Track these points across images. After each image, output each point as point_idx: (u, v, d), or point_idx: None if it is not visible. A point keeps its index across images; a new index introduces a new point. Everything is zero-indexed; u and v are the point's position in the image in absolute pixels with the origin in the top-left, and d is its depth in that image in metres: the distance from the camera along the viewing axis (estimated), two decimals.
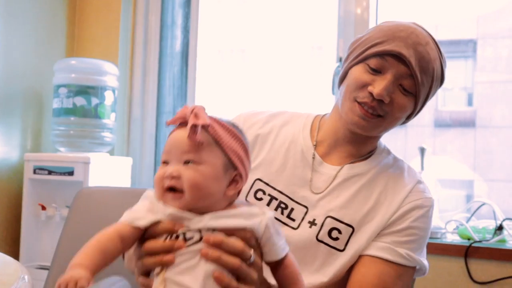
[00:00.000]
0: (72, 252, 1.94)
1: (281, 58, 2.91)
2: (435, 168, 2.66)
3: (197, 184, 0.91)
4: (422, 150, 2.42)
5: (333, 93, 2.57)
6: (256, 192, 1.24)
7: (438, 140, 3.17)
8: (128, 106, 2.92)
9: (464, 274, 2.20)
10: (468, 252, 2.20)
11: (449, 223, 2.42)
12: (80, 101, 2.55)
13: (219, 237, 0.90)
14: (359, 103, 1.17)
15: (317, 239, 1.18)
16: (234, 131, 0.97)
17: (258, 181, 1.25)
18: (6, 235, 2.55)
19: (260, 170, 1.26)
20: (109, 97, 2.62)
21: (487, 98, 2.99)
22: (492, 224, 2.33)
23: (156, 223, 0.92)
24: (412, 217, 1.19)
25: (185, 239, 0.90)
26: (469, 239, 2.28)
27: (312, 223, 1.19)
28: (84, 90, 2.56)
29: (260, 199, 1.23)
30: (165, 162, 0.94)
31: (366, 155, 1.27)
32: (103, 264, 0.88)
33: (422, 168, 2.42)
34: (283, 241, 0.97)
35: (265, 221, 0.94)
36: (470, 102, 3.25)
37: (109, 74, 2.65)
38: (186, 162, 0.92)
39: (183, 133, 0.93)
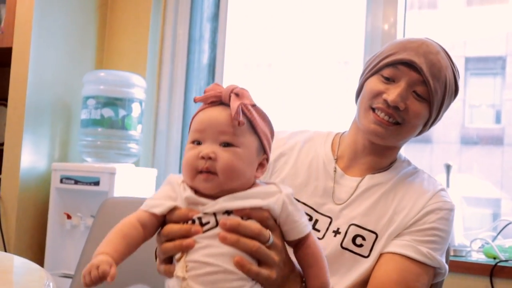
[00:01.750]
0: None
1: (307, 73, 2.91)
2: (461, 185, 2.63)
3: (233, 168, 0.90)
4: (448, 167, 2.40)
5: None
6: None
7: (465, 157, 3.12)
8: (155, 118, 2.95)
9: None
10: (494, 271, 2.16)
11: (474, 241, 2.39)
12: (107, 112, 2.59)
13: (235, 220, 0.89)
14: (373, 110, 1.21)
15: (341, 247, 1.20)
16: (266, 115, 0.97)
17: None
18: (31, 242, 2.59)
19: (284, 183, 1.27)
20: (136, 109, 2.66)
21: None
22: None
23: (174, 209, 0.91)
24: (433, 219, 1.20)
25: (202, 224, 0.89)
26: (494, 258, 2.24)
27: (336, 232, 1.21)
28: (112, 102, 2.60)
29: None
30: (196, 142, 0.92)
31: (386, 167, 1.29)
32: (126, 250, 0.88)
33: (448, 185, 2.39)
34: (305, 219, 0.95)
35: (281, 199, 0.92)
36: (498, 120, 3.20)
37: (137, 86, 2.68)
38: (225, 144, 0.91)
39: (219, 112, 0.91)
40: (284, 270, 0.95)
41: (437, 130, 3.14)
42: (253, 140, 0.94)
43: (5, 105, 2.68)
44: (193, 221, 0.90)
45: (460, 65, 3.14)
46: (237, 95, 0.91)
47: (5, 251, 2.49)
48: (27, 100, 2.54)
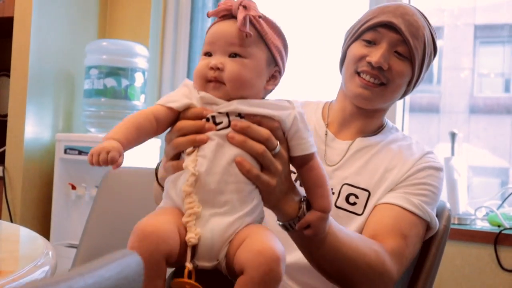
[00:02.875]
0: (99, 231, 1.98)
1: (310, 43, 2.88)
2: (469, 155, 2.61)
3: (240, 77, 0.92)
4: (453, 135, 2.38)
5: None
6: None
7: (473, 126, 3.10)
8: (158, 88, 2.94)
9: (493, 261, 2.17)
10: (498, 239, 2.16)
11: (479, 209, 2.37)
12: (110, 82, 2.58)
13: (246, 122, 0.92)
14: (359, 74, 1.26)
15: (336, 206, 1.24)
16: (277, 27, 0.98)
17: None
18: (37, 213, 2.61)
19: None
20: (139, 79, 2.64)
21: None
22: None
23: (188, 108, 0.94)
24: (423, 175, 1.25)
25: (216, 123, 0.92)
26: (499, 226, 2.23)
27: None
28: (115, 72, 2.58)
29: None
30: (208, 54, 0.96)
31: (375, 131, 1.34)
32: (136, 140, 0.90)
33: (453, 153, 2.37)
34: (312, 139, 0.97)
35: (293, 114, 0.95)
36: (507, 89, 3.16)
37: (140, 56, 2.66)
38: (232, 55, 0.94)
39: (230, 25, 0.94)
40: (285, 184, 0.97)
41: (445, 99, 3.11)
42: (262, 52, 0.95)
43: (8, 76, 2.67)
44: (207, 120, 0.92)
45: (469, 33, 3.09)
46: (245, 7, 0.93)
47: (11, 222, 2.51)
48: (29, 71, 2.53)
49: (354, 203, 1.24)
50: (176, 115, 0.95)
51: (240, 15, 0.92)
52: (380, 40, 1.26)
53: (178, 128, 0.93)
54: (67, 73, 2.75)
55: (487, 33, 3.10)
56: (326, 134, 1.33)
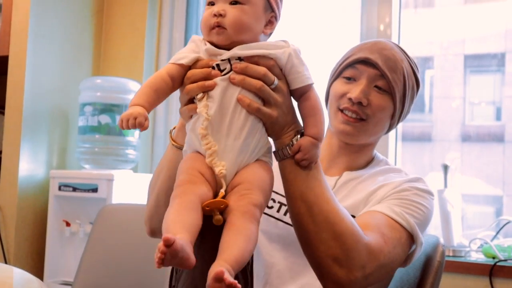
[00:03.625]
0: (94, 268, 1.97)
1: None
2: (461, 184, 2.61)
3: (240, 22, 1.02)
4: (445, 167, 2.39)
5: None
6: None
7: (465, 155, 3.11)
8: (152, 124, 2.95)
9: None
10: (493, 271, 2.15)
11: (473, 241, 2.37)
12: (104, 119, 2.59)
13: (245, 63, 1.02)
14: (341, 111, 1.29)
15: None
16: None
17: None
18: (31, 250, 2.59)
19: None
20: None
21: None
22: None
23: (197, 61, 1.04)
24: (408, 193, 1.26)
25: (221, 70, 1.03)
26: (494, 258, 2.23)
27: None
28: (109, 108, 2.60)
29: (271, 207, 1.30)
30: (211, 3, 1.06)
31: (364, 166, 1.37)
32: (156, 101, 1.02)
33: (446, 185, 2.38)
34: (309, 73, 1.06)
35: (288, 51, 1.04)
36: (498, 117, 3.19)
37: (134, 92, 2.68)
38: (233, 2, 1.04)
39: None
40: (287, 116, 1.07)
41: (437, 128, 3.13)
42: None
43: (3, 113, 2.68)
44: (213, 68, 1.03)
45: (459, 63, 3.13)
46: None
47: (5, 259, 2.50)
48: (24, 108, 2.54)
49: None
50: (188, 70, 1.05)
51: None
52: (360, 76, 1.30)
53: (188, 76, 1.04)
54: (62, 110, 2.76)
55: (476, 63, 3.14)
56: None
